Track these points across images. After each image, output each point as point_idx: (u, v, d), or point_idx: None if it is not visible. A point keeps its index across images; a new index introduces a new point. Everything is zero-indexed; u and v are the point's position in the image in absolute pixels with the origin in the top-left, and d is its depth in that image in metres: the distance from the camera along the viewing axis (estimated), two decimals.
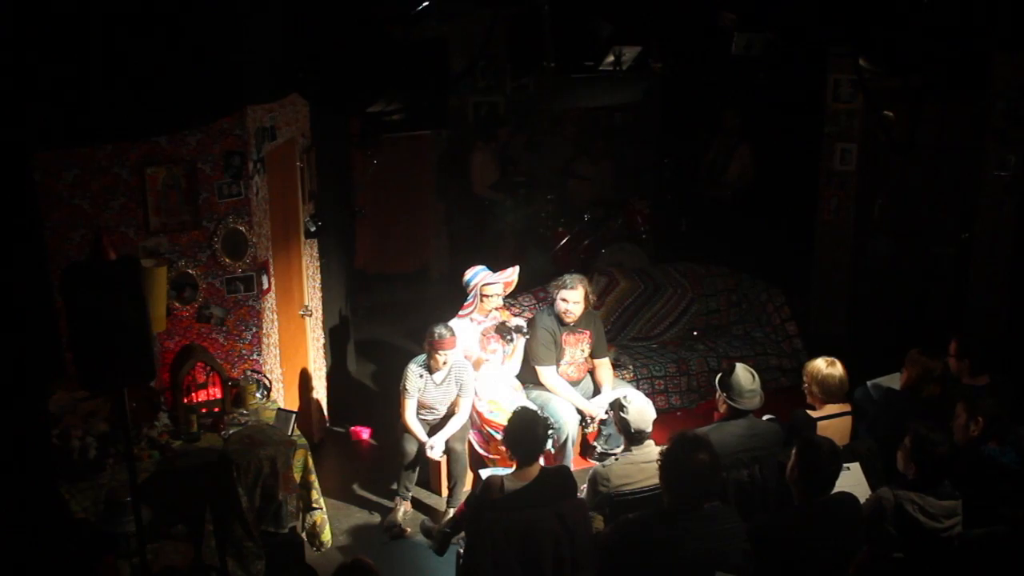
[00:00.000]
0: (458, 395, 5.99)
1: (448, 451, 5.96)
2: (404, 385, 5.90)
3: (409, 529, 5.92)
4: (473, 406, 6.09)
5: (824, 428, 5.04)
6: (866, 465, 4.75)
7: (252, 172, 5.50)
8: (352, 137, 8.22)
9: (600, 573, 4.31)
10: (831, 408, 5.19)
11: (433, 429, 6.00)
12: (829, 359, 5.23)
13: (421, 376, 5.88)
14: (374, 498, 6.30)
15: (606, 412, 6.22)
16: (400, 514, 5.96)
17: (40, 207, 4.86)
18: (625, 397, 4.91)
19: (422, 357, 5.92)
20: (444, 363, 5.83)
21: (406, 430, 5.93)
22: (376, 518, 6.08)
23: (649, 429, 4.87)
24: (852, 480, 4.57)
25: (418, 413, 5.96)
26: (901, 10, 5.53)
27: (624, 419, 4.83)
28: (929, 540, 4.24)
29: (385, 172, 9.41)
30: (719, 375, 5.19)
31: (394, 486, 6.05)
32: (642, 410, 4.84)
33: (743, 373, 5.03)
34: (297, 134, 6.33)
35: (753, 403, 5.02)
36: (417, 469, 5.99)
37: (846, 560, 4.11)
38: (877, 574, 4.16)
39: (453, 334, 5.82)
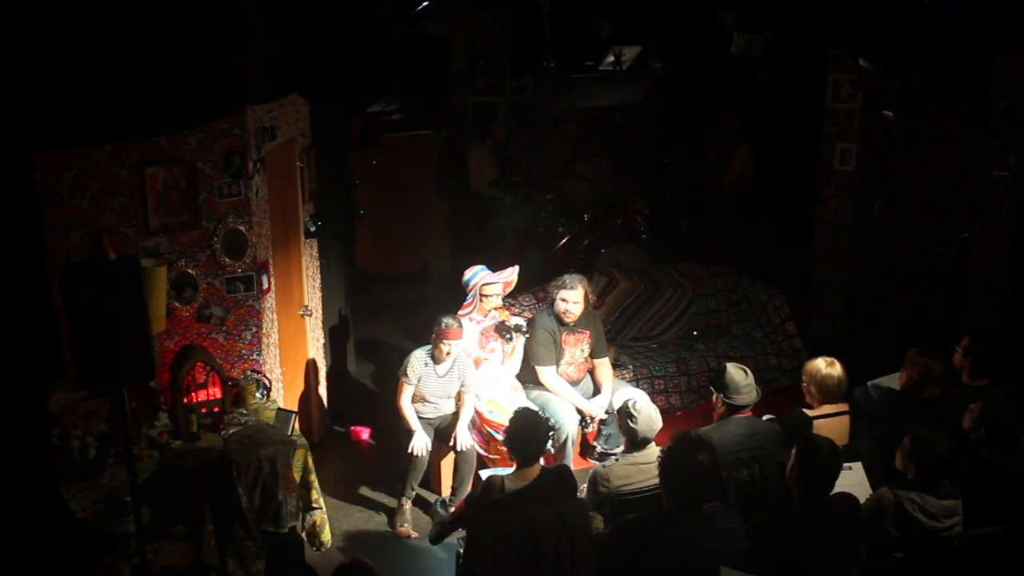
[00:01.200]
0: (462, 390, 5.99)
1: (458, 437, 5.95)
2: (405, 370, 5.91)
3: (415, 533, 5.92)
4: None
5: (821, 428, 5.04)
6: (866, 465, 4.75)
7: (252, 172, 5.50)
8: (352, 137, 8.22)
9: (600, 573, 4.31)
10: (828, 408, 5.20)
11: (438, 429, 6.02)
12: (828, 359, 5.23)
13: (426, 364, 5.89)
14: (374, 498, 6.30)
15: (606, 413, 6.22)
16: (406, 512, 5.96)
17: (40, 207, 4.85)
18: (634, 405, 4.85)
19: (428, 347, 5.93)
20: (448, 353, 5.84)
21: (398, 414, 5.92)
22: (376, 518, 6.08)
23: (654, 436, 4.87)
24: (853, 480, 4.57)
25: (419, 415, 5.96)
26: (901, 10, 5.54)
27: (632, 428, 4.82)
28: (929, 540, 4.24)
29: (385, 172, 9.41)
30: (712, 379, 5.21)
31: (400, 486, 6.04)
32: (651, 419, 4.82)
33: (735, 371, 5.05)
34: (297, 134, 6.33)
35: (751, 397, 5.02)
36: (422, 469, 5.97)
37: (846, 560, 4.11)
38: (882, 574, 4.16)
39: (460, 326, 5.85)
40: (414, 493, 6.00)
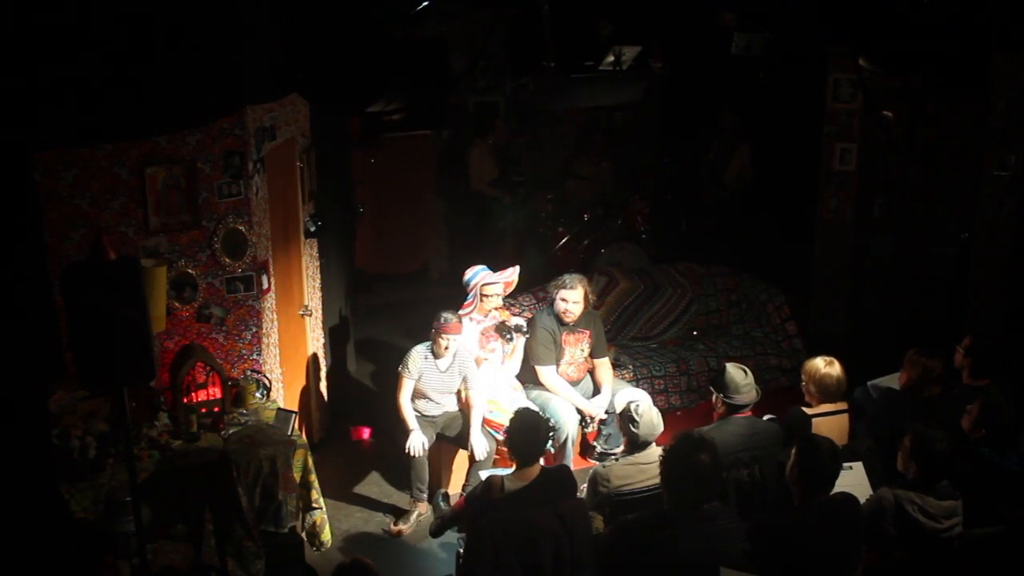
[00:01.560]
0: (466, 388, 6.00)
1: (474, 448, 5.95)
2: (406, 364, 5.91)
3: (409, 530, 5.91)
4: None
5: (820, 426, 5.04)
6: (866, 465, 4.75)
7: (252, 172, 5.50)
8: (352, 137, 8.22)
9: (600, 573, 4.31)
10: (827, 407, 5.20)
11: (441, 429, 6.01)
12: (828, 358, 5.23)
13: (426, 358, 5.90)
14: (374, 498, 6.30)
15: (606, 412, 6.22)
16: (414, 516, 5.96)
17: (40, 207, 4.86)
18: (637, 409, 4.84)
19: (428, 343, 5.94)
20: (446, 348, 5.84)
21: (397, 411, 5.92)
22: (376, 518, 6.08)
23: (654, 439, 4.87)
24: (854, 479, 4.57)
25: (421, 412, 5.97)
26: (901, 10, 5.53)
27: (634, 432, 4.82)
28: (929, 541, 4.24)
29: (384, 171, 9.41)
30: (712, 379, 5.21)
31: (408, 489, 6.04)
32: (652, 424, 4.82)
33: (734, 370, 5.05)
34: (297, 134, 6.33)
35: (750, 397, 5.03)
36: (423, 467, 5.96)
37: (846, 560, 4.11)
38: (883, 574, 4.16)
39: (459, 320, 5.86)
40: (423, 494, 5.99)
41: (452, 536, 5.13)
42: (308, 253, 6.66)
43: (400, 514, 6.04)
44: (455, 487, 6.16)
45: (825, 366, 5.18)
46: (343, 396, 7.33)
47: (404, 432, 5.90)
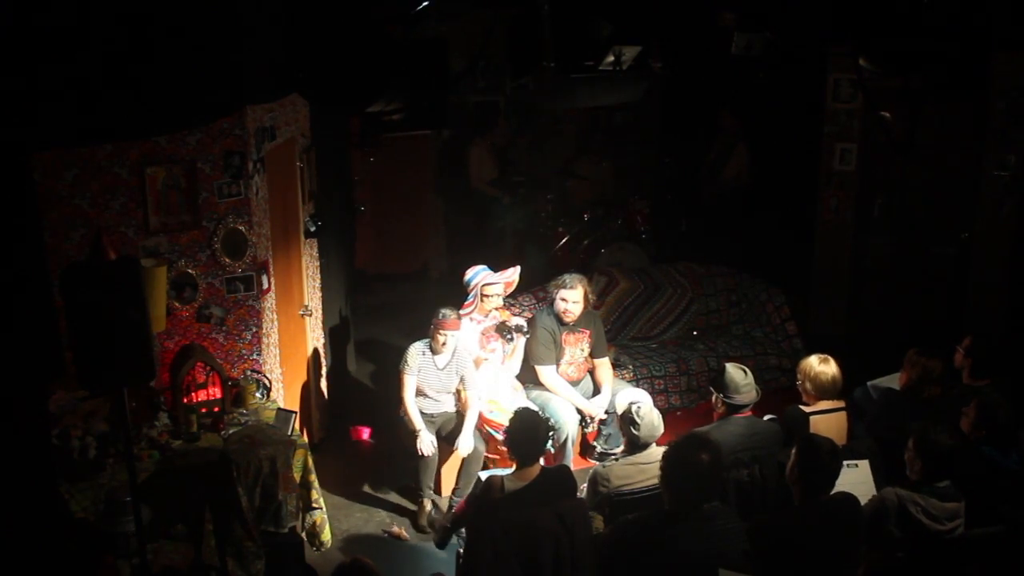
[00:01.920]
0: (463, 388, 6.01)
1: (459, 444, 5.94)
2: (405, 360, 5.93)
3: (408, 536, 5.91)
4: None
5: (818, 424, 5.05)
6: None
7: (252, 172, 5.50)
8: (352, 137, 8.22)
9: (600, 574, 4.31)
10: (825, 404, 5.20)
11: (439, 430, 6.01)
12: (822, 356, 5.24)
13: (424, 354, 5.91)
14: (374, 498, 6.30)
15: (606, 412, 6.22)
16: (427, 513, 5.96)
17: (40, 207, 4.86)
18: (638, 411, 4.84)
19: (426, 339, 5.95)
20: (444, 344, 5.84)
21: (404, 412, 5.92)
22: (376, 518, 6.08)
23: (654, 441, 4.87)
24: (858, 478, 4.58)
25: (420, 410, 5.96)
26: (901, 10, 5.53)
27: (635, 433, 4.82)
28: (932, 542, 4.24)
29: (384, 171, 9.40)
30: (712, 379, 5.22)
31: (417, 487, 6.03)
32: (653, 426, 4.82)
33: (734, 370, 5.06)
34: (297, 134, 6.33)
35: (750, 396, 5.03)
36: (434, 466, 5.95)
37: (846, 560, 4.11)
38: (887, 573, 4.17)
39: (458, 317, 5.87)
40: (432, 492, 6.00)
41: (452, 536, 5.13)
42: (308, 253, 6.66)
43: (412, 515, 6.04)
44: (447, 486, 6.16)
45: (819, 364, 5.19)
46: (343, 396, 7.33)
47: (410, 432, 5.90)
